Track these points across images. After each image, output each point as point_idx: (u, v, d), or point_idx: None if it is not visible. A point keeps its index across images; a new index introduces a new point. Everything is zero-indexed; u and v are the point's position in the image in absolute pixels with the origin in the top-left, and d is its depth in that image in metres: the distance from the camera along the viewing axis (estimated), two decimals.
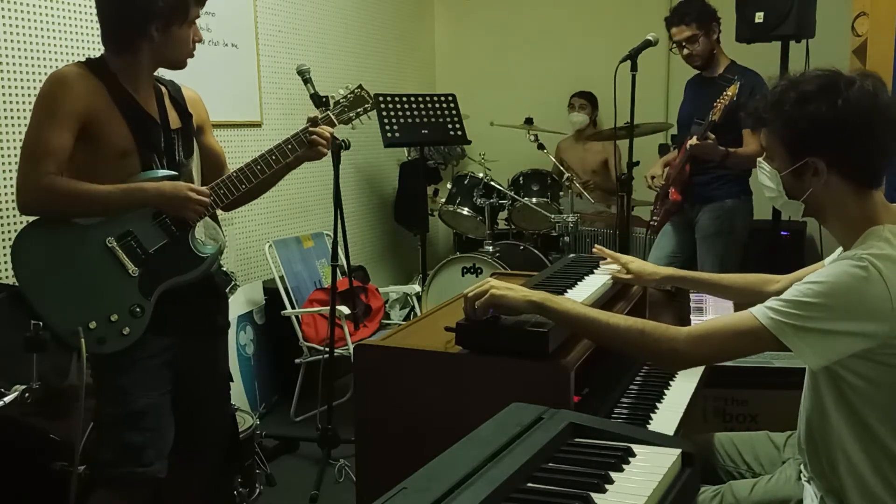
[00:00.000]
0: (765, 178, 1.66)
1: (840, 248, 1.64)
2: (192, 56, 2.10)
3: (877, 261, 1.44)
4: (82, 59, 2.07)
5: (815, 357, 1.48)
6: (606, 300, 2.09)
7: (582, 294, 1.97)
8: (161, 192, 2.01)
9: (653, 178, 3.68)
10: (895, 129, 1.51)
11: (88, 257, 1.99)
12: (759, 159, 1.68)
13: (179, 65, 2.10)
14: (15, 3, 2.89)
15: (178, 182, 2.04)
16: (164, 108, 2.10)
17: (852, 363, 1.48)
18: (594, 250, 2.32)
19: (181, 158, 2.12)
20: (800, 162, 1.55)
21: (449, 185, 4.70)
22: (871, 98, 1.49)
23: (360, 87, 2.37)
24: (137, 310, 2.01)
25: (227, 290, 2.32)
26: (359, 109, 2.35)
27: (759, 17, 3.59)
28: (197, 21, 2.09)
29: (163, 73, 2.16)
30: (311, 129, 2.22)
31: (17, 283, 2.02)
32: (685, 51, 3.54)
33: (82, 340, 1.95)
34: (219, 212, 2.26)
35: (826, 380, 1.54)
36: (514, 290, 1.70)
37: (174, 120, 2.12)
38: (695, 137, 3.31)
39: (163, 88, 2.14)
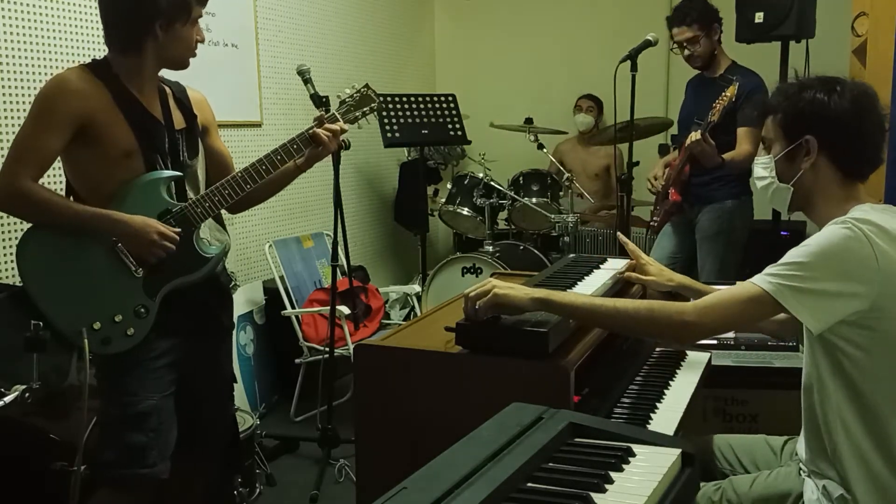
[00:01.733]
0: (759, 169, 1.77)
1: None
2: (194, 56, 2.10)
3: (860, 223, 1.54)
4: (82, 59, 2.08)
5: (813, 319, 1.53)
6: None
7: (583, 293, 1.97)
8: (127, 227, 1.97)
9: (654, 178, 3.68)
10: (882, 128, 1.65)
11: (93, 258, 2.00)
12: (757, 157, 1.78)
13: (182, 64, 2.10)
14: (15, 3, 2.89)
15: (151, 220, 1.99)
16: (168, 109, 2.10)
17: (845, 331, 1.55)
18: (620, 239, 2.28)
19: (185, 159, 2.11)
20: (795, 142, 1.67)
21: (449, 185, 4.69)
22: (865, 94, 1.64)
23: (366, 86, 2.36)
24: (142, 310, 2.01)
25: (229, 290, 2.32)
26: (365, 109, 2.34)
27: (759, 17, 3.59)
28: (199, 21, 2.08)
29: (167, 74, 2.16)
30: (315, 128, 2.21)
31: (21, 283, 2.02)
32: (686, 51, 3.54)
33: (85, 341, 1.95)
34: (223, 213, 2.26)
35: (822, 350, 1.59)
36: (517, 289, 1.70)
37: (178, 121, 2.12)
38: (696, 133, 3.29)
39: (167, 89, 2.14)
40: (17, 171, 1.93)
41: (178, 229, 2.03)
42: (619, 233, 2.36)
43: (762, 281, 1.57)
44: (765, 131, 1.75)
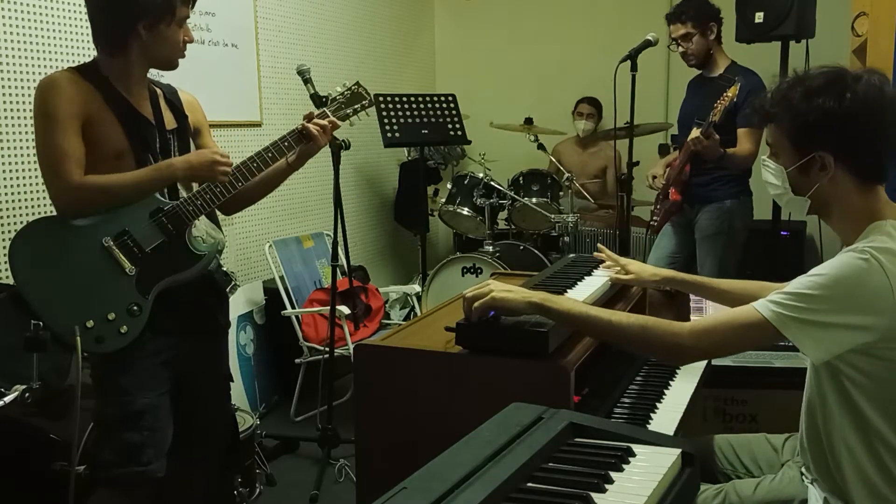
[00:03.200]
0: (769, 176, 1.67)
1: (842, 246, 1.64)
2: (182, 56, 2.10)
3: (878, 253, 1.45)
4: (81, 59, 2.07)
5: (816, 350, 1.48)
6: (606, 300, 2.09)
7: (582, 294, 1.97)
8: (189, 163, 2.06)
9: (654, 178, 3.69)
10: None
11: (85, 257, 1.99)
12: (764, 157, 1.69)
13: (170, 65, 2.10)
14: (15, 3, 2.89)
15: (202, 150, 2.12)
16: (159, 110, 2.11)
17: (851, 358, 1.49)
18: (597, 251, 2.31)
19: None
20: (807, 157, 1.56)
21: (449, 185, 4.70)
22: (877, 92, 1.51)
23: (357, 83, 2.37)
24: (135, 308, 2.01)
25: (227, 290, 2.31)
26: (356, 106, 2.35)
27: (759, 17, 3.59)
28: (191, 20, 2.09)
29: (162, 76, 2.16)
30: (305, 123, 2.22)
31: (14, 283, 2.02)
32: (680, 48, 3.56)
33: (77, 339, 1.95)
34: (220, 213, 2.26)
35: (826, 374, 1.55)
36: (514, 291, 1.69)
37: (169, 121, 2.13)
38: (697, 131, 3.29)
39: (158, 90, 2.15)
40: (62, 176, 1.93)
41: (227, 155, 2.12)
42: (598, 244, 2.34)
43: (764, 308, 1.50)
44: (769, 137, 1.65)
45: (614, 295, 2.17)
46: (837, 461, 1.56)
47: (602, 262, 2.28)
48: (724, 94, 3.24)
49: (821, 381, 1.57)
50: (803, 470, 1.70)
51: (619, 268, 2.19)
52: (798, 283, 1.50)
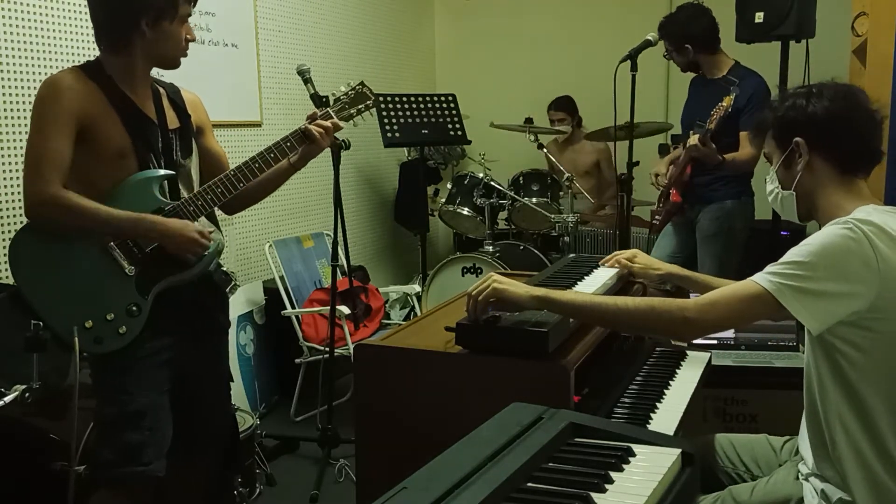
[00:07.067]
0: (767, 183, 1.80)
1: None
2: (185, 55, 2.10)
3: (861, 223, 1.54)
4: (82, 59, 2.07)
5: (812, 319, 1.54)
6: None
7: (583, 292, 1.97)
8: (166, 227, 2.00)
9: (657, 175, 3.69)
10: (871, 122, 1.66)
11: (85, 257, 2.00)
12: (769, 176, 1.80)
13: (173, 63, 2.10)
14: (15, 3, 2.89)
15: (188, 223, 2.03)
16: (162, 109, 2.11)
17: (843, 331, 1.55)
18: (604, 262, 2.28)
19: (179, 158, 2.12)
20: (788, 149, 1.70)
21: (449, 185, 4.69)
22: (845, 92, 1.67)
23: (361, 83, 2.36)
24: (134, 309, 2.01)
25: (227, 290, 2.31)
26: (360, 106, 2.35)
27: (759, 17, 3.59)
28: (191, 20, 2.09)
29: (167, 76, 2.15)
30: (307, 124, 2.22)
31: (14, 283, 2.02)
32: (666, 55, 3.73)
33: (76, 340, 1.95)
34: (220, 213, 2.26)
35: (821, 351, 1.60)
36: (517, 285, 1.71)
37: (172, 120, 2.12)
38: (695, 137, 3.34)
39: (160, 90, 2.14)
40: (43, 180, 1.93)
41: (213, 228, 2.04)
42: (600, 264, 2.30)
43: (763, 280, 1.57)
44: (766, 146, 1.78)
45: (616, 293, 2.17)
46: (834, 440, 1.59)
47: (600, 262, 2.28)
48: (720, 105, 3.28)
49: (816, 360, 1.62)
50: (800, 468, 1.72)
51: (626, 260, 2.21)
52: (791, 254, 1.58)
